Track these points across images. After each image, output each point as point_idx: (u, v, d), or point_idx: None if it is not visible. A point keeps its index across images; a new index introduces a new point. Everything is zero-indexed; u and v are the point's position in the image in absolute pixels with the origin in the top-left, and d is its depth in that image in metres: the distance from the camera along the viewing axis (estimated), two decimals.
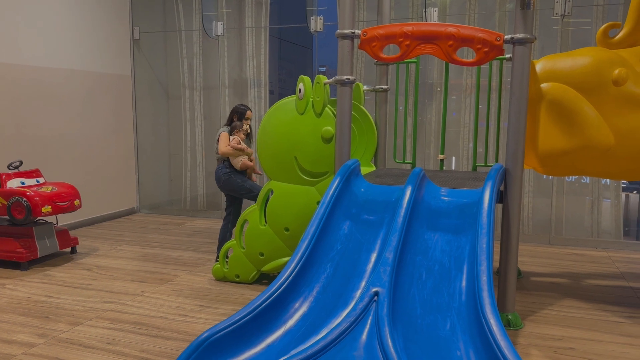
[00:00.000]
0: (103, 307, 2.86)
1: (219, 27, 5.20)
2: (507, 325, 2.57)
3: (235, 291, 3.10)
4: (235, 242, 3.21)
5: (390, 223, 2.27)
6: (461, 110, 4.63)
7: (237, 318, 1.89)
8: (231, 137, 3.50)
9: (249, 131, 3.63)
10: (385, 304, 1.84)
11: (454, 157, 4.77)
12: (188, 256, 3.89)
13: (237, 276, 3.21)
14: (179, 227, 4.92)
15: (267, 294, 1.99)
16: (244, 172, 3.55)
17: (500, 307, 2.58)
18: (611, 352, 2.34)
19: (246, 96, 5.32)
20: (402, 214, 2.23)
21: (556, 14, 4.18)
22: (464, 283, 2.04)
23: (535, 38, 2.45)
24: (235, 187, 3.49)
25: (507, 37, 2.41)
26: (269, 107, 5.32)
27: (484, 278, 1.88)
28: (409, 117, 3.92)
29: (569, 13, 4.15)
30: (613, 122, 2.49)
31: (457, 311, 1.94)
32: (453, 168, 4.77)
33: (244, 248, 3.18)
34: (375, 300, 1.88)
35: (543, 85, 2.58)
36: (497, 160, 3.27)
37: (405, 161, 3.62)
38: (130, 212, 5.51)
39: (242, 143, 3.50)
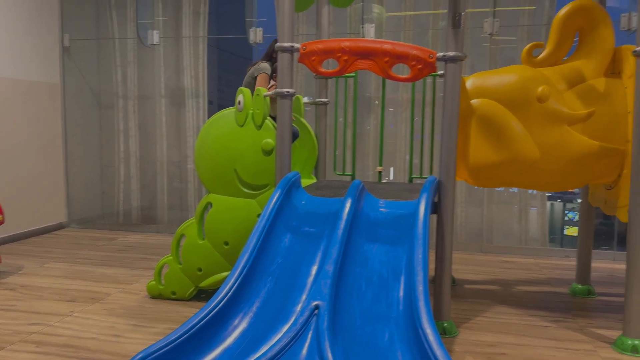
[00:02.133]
0: (28, 329, 2.68)
1: (155, 36, 5.07)
2: (443, 333, 2.65)
3: (171, 309, 3.01)
4: (171, 257, 3.12)
5: (330, 235, 2.29)
6: (398, 123, 4.76)
7: (173, 337, 1.84)
8: (271, 82, 3.07)
9: None
10: (325, 317, 1.85)
11: (392, 168, 4.89)
12: (121, 273, 3.73)
13: (174, 293, 3.11)
14: (111, 242, 4.72)
15: (205, 312, 1.94)
16: None
17: (436, 315, 2.66)
18: (540, 355, 2.46)
19: (184, 106, 5.21)
20: (342, 226, 2.25)
21: (485, 32, 4.41)
22: (401, 293, 2.08)
23: (466, 56, 2.57)
24: None
25: (440, 54, 2.51)
26: (208, 117, 5.26)
27: (420, 288, 1.93)
28: (349, 130, 3.98)
29: (497, 32, 4.38)
30: (537, 137, 2.64)
31: (395, 321, 1.98)
32: (392, 178, 4.89)
33: (180, 263, 3.09)
34: (315, 314, 1.88)
35: (473, 101, 2.70)
36: (432, 172, 3.38)
37: (345, 173, 3.67)
38: (59, 227, 5.22)
39: None
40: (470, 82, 2.76)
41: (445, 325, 2.67)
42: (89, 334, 2.63)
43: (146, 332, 2.66)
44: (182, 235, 3.12)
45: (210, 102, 5.61)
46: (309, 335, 1.84)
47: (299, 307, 2.01)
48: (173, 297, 3.12)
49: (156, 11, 5.10)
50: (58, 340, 2.55)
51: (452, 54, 2.51)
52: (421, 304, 1.88)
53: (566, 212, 7.20)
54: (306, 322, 1.87)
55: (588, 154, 2.64)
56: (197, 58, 5.15)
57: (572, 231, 6.82)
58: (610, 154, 2.64)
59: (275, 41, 3.06)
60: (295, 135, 3.20)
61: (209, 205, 3.07)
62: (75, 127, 5.31)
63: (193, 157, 5.21)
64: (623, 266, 2.59)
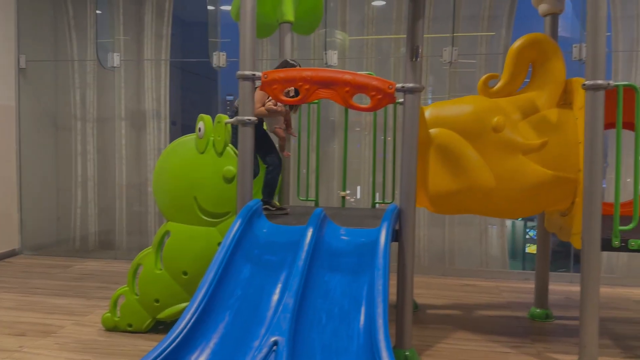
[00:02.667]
0: None
1: (116, 58, 4.99)
2: None
3: (127, 342, 2.90)
4: (127, 288, 3.02)
5: (291, 265, 2.27)
6: (362, 145, 4.80)
7: None
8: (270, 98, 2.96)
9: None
10: (284, 354, 1.81)
11: (358, 187, 4.91)
12: (76, 304, 3.59)
13: (130, 325, 3.01)
14: (66, 270, 4.54)
15: (160, 349, 1.88)
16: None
17: (398, 343, 2.65)
18: None
19: (144, 128, 5.12)
20: (302, 256, 2.24)
21: (444, 61, 4.52)
22: (361, 324, 2.07)
23: (424, 87, 2.62)
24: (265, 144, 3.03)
25: (399, 85, 2.55)
26: (170, 139, 5.19)
27: (380, 321, 1.93)
28: (312, 154, 3.99)
29: (455, 60, 4.50)
30: (493, 165, 2.70)
31: (355, 355, 1.96)
32: (359, 197, 4.92)
33: (137, 294, 3.00)
34: (274, 350, 1.85)
35: (431, 130, 2.75)
36: (393, 196, 3.42)
37: (309, 198, 3.67)
38: (11, 254, 5.00)
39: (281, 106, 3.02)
40: (428, 112, 2.82)
41: (407, 353, 2.66)
42: None
43: None
44: (139, 265, 3.04)
45: (173, 123, 5.54)
46: None
47: (257, 343, 1.97)
48: (129, 329, 3.02)
49: (117, 33, 5.03)
50: None
51: (410, 85, 2.56)
52: (381, 337, 1.87)
53: (527, 230, 7.34)
54: (264, 359, 1.83)
55: (542, 182, 2.71)
56: (159, 80, 5.09)
57: (533, 249, 6.96)
58: (563, 182, 2.72)
59: (284, 62, 3.07)
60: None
61: (167, 233, 3.00)
62: (30, 150, 5.14)
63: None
64: (579, 288, 2.65)
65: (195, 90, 8.12)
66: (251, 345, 1.96)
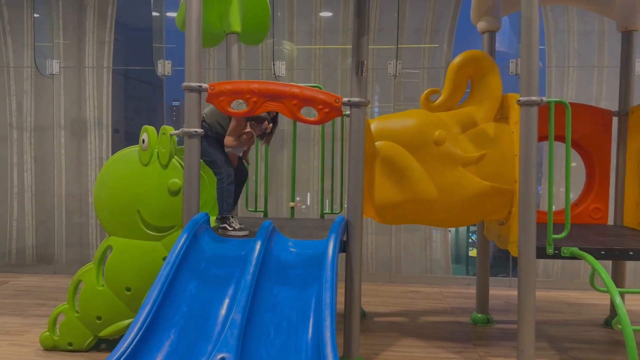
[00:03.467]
0: None
1: (55, 65, 4.80)
2: None
3: None
4: (67, 305, 2.90)
5: (240, 279, 2.26)
6: (310, 156, 4.84)
7: None
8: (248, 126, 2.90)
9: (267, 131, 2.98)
10: None
11: (308, 194, 4.93)
12: (12, 323, 3.41)
13: (70, 344, 2.89)
14: (1, 287, 4.31)
15: None
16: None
17: (346, 353, 2.69)
18: None
19: (85, 137, 4.95)
20: (251, 270, 2.23)
21: (389, 74, 4.64)
22: (309, 337, 2.09)
23: (369, 102, 2.69)
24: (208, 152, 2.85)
25: (345, 99, 2.60)
26: (112, 147, 5.03)
27: (327, 334, 1.95)
28: (261, 163, 3.98)
29: (399, 74, 4.63)
30: (435, 177, 2.80)
31: None
32: (309, 203, 4.94)
33: (78, 312, 2.89)
34: None
35: (377, 143, 2.82)
36: (342, 205, 3.47)
37: (258, 209, 3.65)
38: None
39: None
40: (374, 125, 2.88)
41: None
42: None
43: None
44: (80, 281, 2.93)
45: (116, 131, 5.38)
46: None
47: None
48: (70, 348, 2.90)
49: (57, 38, 4.85)
50: None
51: (356, 99, 2.61)
52: (328, 350, 1.90)
53: (470, 234, 7.60)
54: None
55: (481, 193, 2.83)
56: (100, 87, 4.93)
57: (475, 252, 7.20)
58: (500, 193, 2.85)
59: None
60: (244, 175, 3.11)
61: (109, 248, 2.91)
62: None
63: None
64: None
65: (139, 97, 7.91)
66: None
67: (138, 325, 1.99)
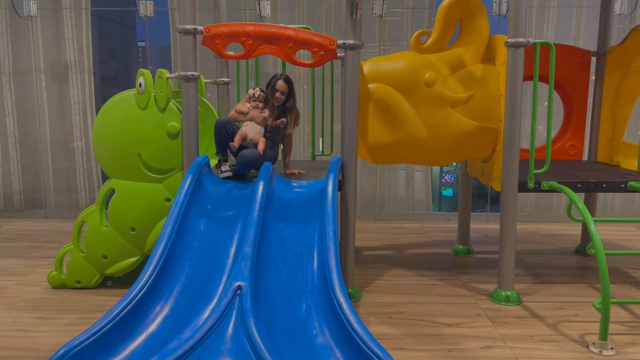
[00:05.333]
0: None
1: (32, 7, 4.64)
2: (349, 298, 2.89)
3: (78, 298, 2.93)
4: (72, 246, 3.01)
5: (246, 218, 2.40)
6: (298, 99, 4.87)
7: (95, 329, 1.85)
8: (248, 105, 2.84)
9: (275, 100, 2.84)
10: (248, 296, 1.97)
11: (297, 135, 5.01)
12: (14, 264, 3.51)
13: (78, 282, 3.02)
14: None
15: (126, 301, 1.97)
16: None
17: None
18: (431, 311, 2.80)
19: (66, 81, 4.87)
20: (257, 208, 2.37)
21: (375, 14, 4.65)
22: (315, 267, 2.26)
23: (364, 44, 2.75)
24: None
25: (340, 42, 2.67)
26: (95, 92, 4.97)
27: (332, 262, 2.12)
28: None
29: (385, 14, 4.64)
30: (425, 118, 2.92)
31: (310, 294, 2.16)
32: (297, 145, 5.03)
33: (83, 252, 3.01)
34: (238, 294, 2.00)
35: (370, 85, 2.91)
36: (332, 148, 3.58)
37: None
38: None
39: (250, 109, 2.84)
40: (366, 68, 2.96)
41: (350, 290, 2.91)
42: None
43: (55, 324, 2.59)
44: (84, 223, 3.02)
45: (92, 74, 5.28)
46: (234, 315, 1.95)
47: (220, 289, 2.11)
48: (77, 286, 3.03)
49: None
50: None
51: (351, 42, 2.68)
52: (334, 276, 2.07)
53: (443, 174, 7.90)
54: (230, 303, 1.97)
55: (468, 132, 2.98)
56: (79, 30, 4.81)
57: (447, 192, 7.53)
58: (486, 132, 3.01)
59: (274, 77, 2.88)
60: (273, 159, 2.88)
61: (111, 191, 3.00)
62: None
63: (79, 135, 4.92)
64: (495, 226, 3.00)
65: (114, 40, 7.68)
66: (215, 292, 2.10)
67: (156, 259, 2.13)
